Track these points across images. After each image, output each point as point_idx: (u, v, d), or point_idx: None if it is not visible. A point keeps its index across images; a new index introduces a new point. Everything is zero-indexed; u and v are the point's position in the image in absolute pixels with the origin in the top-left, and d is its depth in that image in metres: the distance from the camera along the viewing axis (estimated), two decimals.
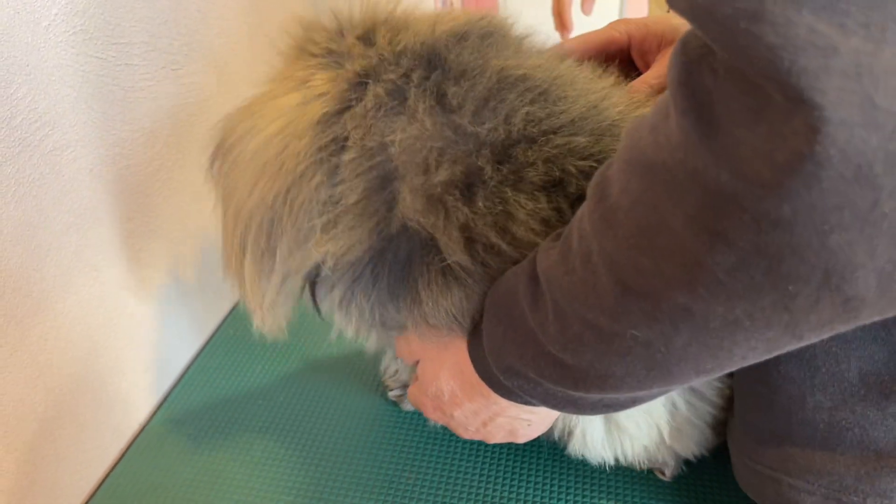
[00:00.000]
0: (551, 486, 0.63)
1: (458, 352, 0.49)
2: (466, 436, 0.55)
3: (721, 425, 0.58)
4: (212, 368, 0.79)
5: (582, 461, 0.65)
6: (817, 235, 0.27)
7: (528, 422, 0.52)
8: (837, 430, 0.45)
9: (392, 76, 0.46)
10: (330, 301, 0.51)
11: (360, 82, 0.46)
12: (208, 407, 0.74)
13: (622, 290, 0.34)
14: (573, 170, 0.44)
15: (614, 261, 0.34)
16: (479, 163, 0.44)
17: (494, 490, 0.63)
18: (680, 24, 0.61)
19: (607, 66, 0.54)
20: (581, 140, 0.44)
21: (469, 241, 0.44)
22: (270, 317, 0.53)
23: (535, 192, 0.44)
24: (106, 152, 0.63)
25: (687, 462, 0.63)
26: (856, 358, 0.43)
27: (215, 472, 0.66)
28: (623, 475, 0.64)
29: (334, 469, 0.66)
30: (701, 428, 0.57)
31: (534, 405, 0.47)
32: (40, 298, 0.57)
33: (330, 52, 0.49)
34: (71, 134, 0.58)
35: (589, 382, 0.39)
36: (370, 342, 0.59)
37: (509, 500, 0.62)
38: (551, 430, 0.59)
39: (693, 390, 0.55)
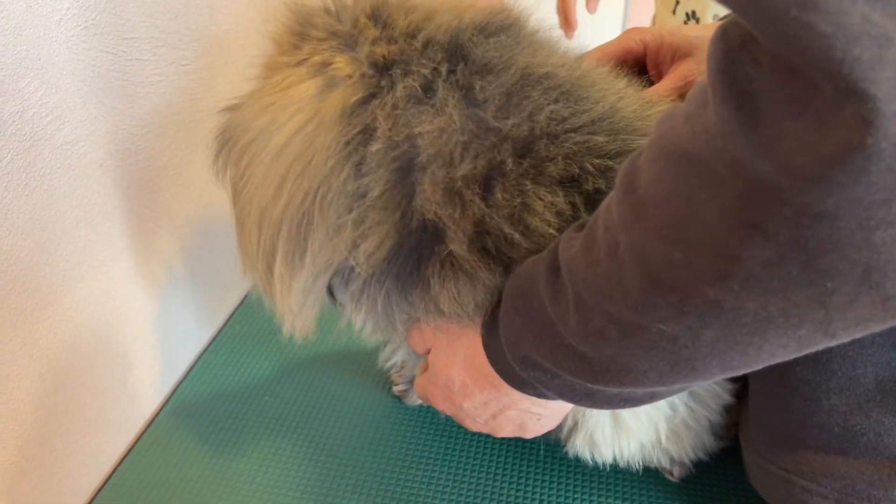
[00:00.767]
0: (557, 483, 0.63)
1: (471, 342, 0.49)
2: (475, 428, 0.55)
3: (722, 430, 0.58)
4: (218, 364, 0.79)
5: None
6: (861, 230, 0.26)
7: (539, 416, 0.52)
8: (852, 434, 0.44)
9: (424, 70, 0.45)
10: (343, 292, 0.51)
11: (386, 68, 0.46)
12: (215, 402, 0.74)
13: (650, 284, 0.33)
14: (590, 167, 0.44)
15: (643, 253, 0.33)
16: (501, 157, 0.44)
17: (500, 486, 0.63)
18: (696, 37, 0.61)
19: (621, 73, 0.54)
20: (600, 139, 0.45)
21: (482, 233, 0.44)
22: (301, 318, 0.51)
23: (553, 187, 0.44)
24: (115, 147, 0.63)
25: (695, 463, 0.62)
26: (872, 363, 0.43)
27: (222, 467, 0.66)
28: (629, 476, 0.64)
29: (341, 465, 0.66)
30: (697, 432, 0.57)
31: (548, 398, 0.47)
32: (49, 292, 0.58)
33: (335, 33, 0.48)
34: (81, 128, 0.59)
35: (609, 376, 0.39)
36: (371, 333, 0.58)
37: (515, 496, 0.62)
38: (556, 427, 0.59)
39: (693, 394, 0.55)
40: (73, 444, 0.63)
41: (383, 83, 0.45)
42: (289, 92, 0.47)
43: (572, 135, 0.45)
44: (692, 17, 1.21)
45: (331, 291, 0.53)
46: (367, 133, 0.45)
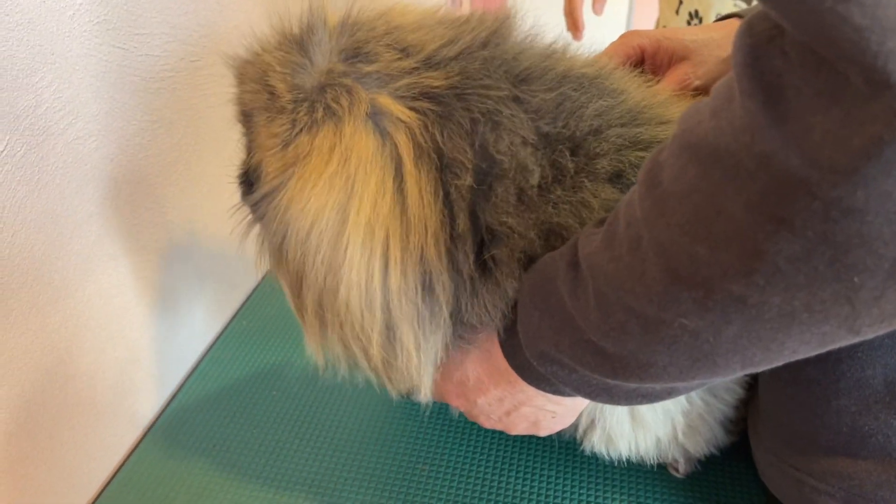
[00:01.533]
0: (564, 480, 0.64)
1: (487, 338, 0.49)
2: (488, 425, 0.55)
3: (732, 424, 0.58)
4: (226, 359, 0.80)
5: (595, 456, 0.65)
6: (889, 225, 0.26)
7: (553, 413, 0.52)
8: (860, 435, 0.45)
9: (480, 91, 0.45)
10: None
11: (434, 97, 0.45)
12: (222, 397, 0.74)
13: (673, 279, 0.33)
14: (633, 160, 0.46)
15: (666, 249, 0.33)
16: (563, 160, 0.45)
17: (508, 483, 0.64)
18: (692, 40, 0.62)
19: None
20: (637, 131, 0.46)
21: (549, 233, 0.45)
22: (427, 375, 0.49)
23: (604, 183, 0.45)
24: (126, 142, 0.63)
25: (700, 460, 0.63)
26: (881, 365, 0.43)
27: (230, 461, 0.67)
28: (636, 472, 0.64)
29: (348, 460, 0.66)
30: (713, 426, 0.57)
31: (565, 394, 0.47)
32: (61, 286, 0.58)
33: (344, 73, 0.45)
34: (93, 123, 0.59)
35: (629, 371, 0.39)
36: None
37: (522, 493, 0.63)
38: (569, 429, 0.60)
39: (708, 388, 0.55)
40: (83, 437, 0.63)
41: (442, 111, 0.44)
42: (349, 157, 0.44)
43: (615, 129, 0.46)
44: (695, 16, 1.22)
45: None
46: (453, 169, 0.44)
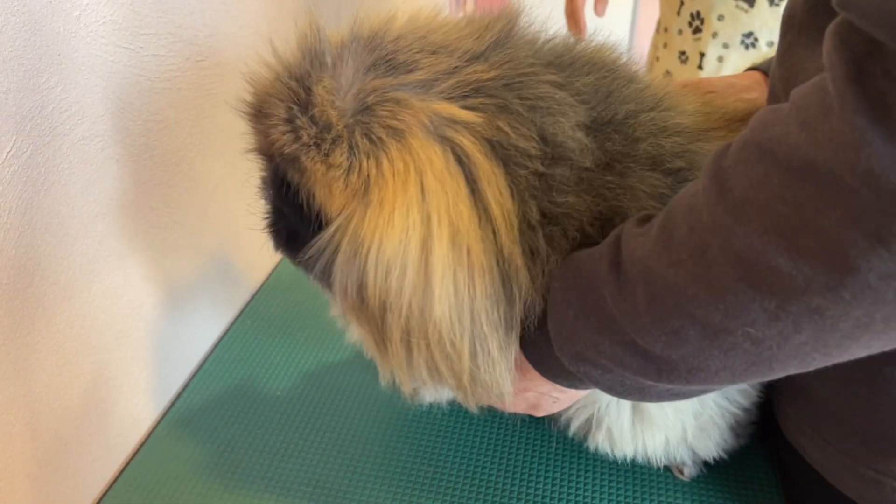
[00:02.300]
0: (568, 481, 0.64)
1: None
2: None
3: (741, 428, 0.58)
4: (230, 359, 0.80)
5: (601, 456, 0.65)
6: None
7: (556, 399, 0.52)
8: None
9: (532, 79, 0.45)
10: None
11: (487, 91, 0.44)
12: (226, 397, 0.74)
13: (744, 288, 0.33)
14: (668, 146, 0.46)
15: (741, 258, 0.33)
16: (615, 145, 0.46)
17: (511, 482, 0.64)
18: (717, 82, 0.65)
19: None
20: (664, 115, 0.47)
21: (601, 217, 0.45)
22: (507, 383, 0.48)
23: (647, 169, 0.46)
24: (132, 143, 0.64)
25: (705, 463, 0.63)
26: None
27: (234, 461, 0.67)
28: (641, 473, 0.64)
29: (352, 461, 0.67)
30: (723, 429, 0.57)
31: (584, 388, 0.47)
32: (67, 286, 0.58)
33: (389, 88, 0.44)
34: (99, 124, 0.59)
35: (675, 374, 0.39)
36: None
37: (526, 493, 0.63)
38: (568, 419, 0.60)
39: (722, 392, 0.55)
40: (89, 436, 0.63)
41: (498, 103, 0.44)
42: (424, 172, 0.42)
43: (646, 113, 0.47)
44: (697, 17, 1.22)
45: None
46: (519, 159, 0.43)
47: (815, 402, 0.53)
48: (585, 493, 0.63)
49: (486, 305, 0.43)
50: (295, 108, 0.45)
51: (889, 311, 0.30)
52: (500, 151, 0.43)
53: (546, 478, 0.64)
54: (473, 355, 0.44)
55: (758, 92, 0.65)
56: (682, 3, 1.25)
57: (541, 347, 0.46)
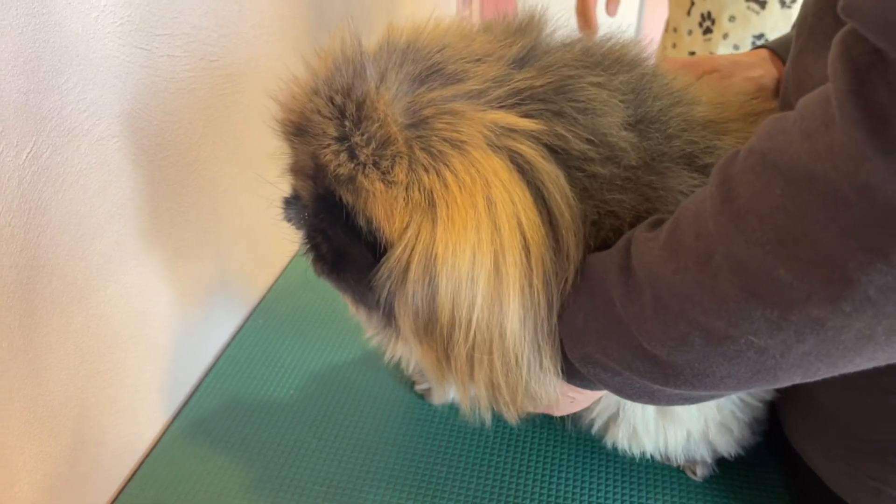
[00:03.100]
0: (581, 481, 0.64)
1: None
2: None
3: (758, 425, 0.59)
4: (242, 358, 0.80)
5: (613, 456, 0.65)
6: None
7: (573, 399, 0.52)
8: None
9: (585, 81, 0.46)
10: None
11: (539, 98, 0.44)
12: (239, 396, 0.75)
13: (747, 297, 0.33)
14: (699, 140, 0.46)
15: (743, 267, 0.33)
16: (657, 143, 0.45)
17: (525, 482, 0.64)
18: (722, 60, 0.64)
19: None
20: (686, 110, 0.47)
21: (639, 217, 0.45)
22: (554, 391, 0.48)
23: (683, 168, 0.46)
24: (147, 143, 0.64)
25: (717, 463, 0.63)
26: None
27: (248, 460, 0.67)
28: (653, 474, 0.64)
29: (366, 460, 0.67)
30: (743, 424, 0.58)
31: (596, 389, 0.47)
32: (84, 286, 0.58)
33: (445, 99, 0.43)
34: (116, 124, 0.59)
35: (681, 379, 0.39)
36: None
37: (539, 492, 0.63)
38: (587, 416, 0.60)
39: None
40: (105, 434, 0.63)
41: (553, 108, 0.43)
42: (491, 184, 0.41)
43: (675, 108, 0.47)
44: (707, 17, 1.21)
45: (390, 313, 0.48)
46: (578, 163, 0.43)
47: (817, 408, 0.54)
48: (598, 493, 0.63)
49: (546, 315, 0.43)
50: (348, 124, 0.43)
51: (890, 324, 0.30)
52: (562, 156, 0.43)
53: (558, 478, 0.64)
54: (529, 367, 0.44)
55: (762, 69, 0.64)
56: (692, 4, 1.24)
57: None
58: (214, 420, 0.72)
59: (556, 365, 0.45)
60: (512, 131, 0.42)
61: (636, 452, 0.60)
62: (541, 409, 0.51)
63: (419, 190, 0.42)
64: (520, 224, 0.41)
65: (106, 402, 0.63)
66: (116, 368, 0.64)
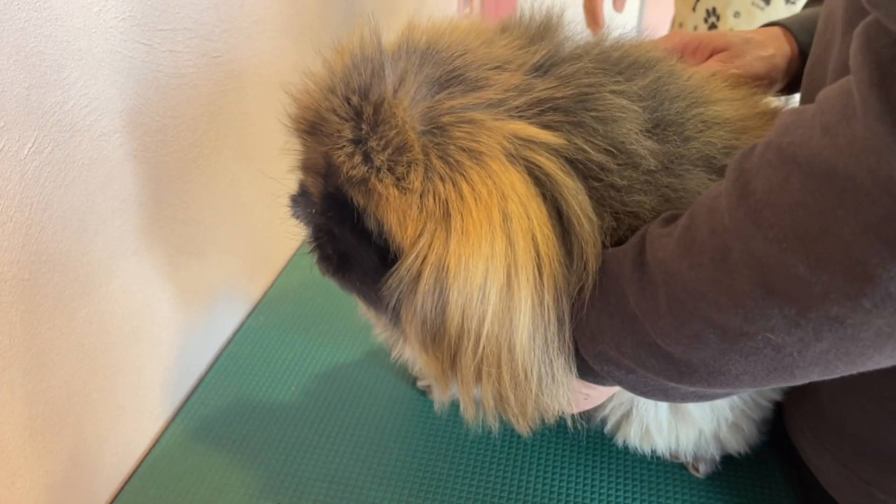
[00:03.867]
0: (584, 479, 0.64)
1: None
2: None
3: (765, 425, 0.59)
4: (244, 355, 0.80)
5: (616, 453, 0.65)
6: None
7: (587, 395, 0.52)
8: None
9: (606, 89, 0.45)
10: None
11: (559, 108, 0.44)
12: (241, 393, 0.75)
13: (765, 294, 0.32)
14: (716, 141, 0.45)
15: (761, 263, 0.32)
16: (675, 146, 0.45)
17: (527, 479, 0.64)
18: (733, 38, 0.63)
19: None
20: (702, 110, 0.46)
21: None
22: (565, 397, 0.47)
23: (701, 170, 0.45)
24: (149, 138, 0.64)
25: (720, 461, 0.63)
26: None
27: (250, 457, 0.67)
28: (656, 470, 0.64)
29: (368, 457, 0.67)
30: (753, 425, 0.58)
31: (611, 386, 0.47)
32: (86, 282, 0.58)
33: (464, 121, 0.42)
34: (118, 120, 0.59)
35: (696, 377, 0.38)
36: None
37: (542, 490, 0.63)
38: (599, 415, 0.59)
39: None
40: (106, 431, 0.63)
41: (573, 119, 0.43)
42: (507, 196, 0.41)
43: (693, 109, 0.46)
44: (712, 13, 1.21)
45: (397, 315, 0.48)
46: (596, 174, 0.43)
47: (816, 406, 0.53)
48: (601, 491, 0.63)
49: (556, 329, 0.43)
50: (365, 127, 0.42)
51: None
52: (581, 168, 0.42)
53: (560, 474, 0.64)
54: (540, 381, 0.44)
55: (774, 47, 0.63)
56: (697, 0, 1.24)
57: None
58: (216, 417, 0.72)
59: (568, 377, 0.45)
60: (532, 143, 0.41)
61: (647, 450, 0.59)
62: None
63: (434, 199, 0.41)
64: (534, 240, 0.41)
65: (108, 399, 0.63)
66: (118, 365, 0.64)
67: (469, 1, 2.01)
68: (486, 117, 0.42)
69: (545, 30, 0.48)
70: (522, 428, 0.47)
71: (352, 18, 1.05)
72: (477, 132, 0.41)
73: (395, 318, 0.46)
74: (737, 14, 1.14)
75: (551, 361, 0.44)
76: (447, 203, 0.41)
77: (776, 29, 0.66)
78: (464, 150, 0.41)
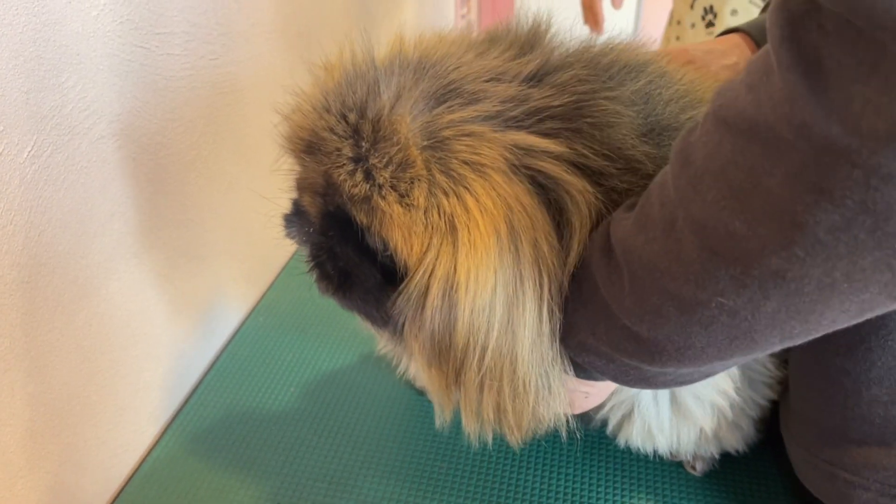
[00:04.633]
0: (581, 476, 0.64)
1: None
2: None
3: (761, 424, 0.59)
4: (242, 357, 0.80)
5: (614, 452, 0.66)
6: None
7: (586, 394, 0.52)
8: (894, 425, 0.45)
9: (601, 95, 0.45)
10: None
11: (555, 115, 0.44)
12: (241, 394, 0.75)
13: (709, 256, 0.33)
14: None
15: (703, 226, 0.33)
16: (662, 149, 0.45)
17: (525, 478, 0.64)
18: (696, 51, 0.64)
19: None
20: (697, 112, 0.47)
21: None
22: (564, 402, 0.48)
23: None
24: (148, 141, 0.64)
25: (717, 459, 0.63)
26: None
27: (249, 458, 0.67)
28: (654, 468, 0.65)
29: (366, 456, 0.67)
30: (751, 423, 0.58)
31: (600, 380, 0.47)
32: (85, 284, 0.58)
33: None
34: (116, 123, 0.59)
35: (666, 355, 0.39)
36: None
37: (540, 488, 0.63)
38: (605, 418, 0.60)
39: (749, 384, 0.55)
40: (106, 433, 0.64)
41: (571, 126, 0.43)
42: (512, 208, 0.41)
43: (687, 112, 0.46)
44: (710, 11, 1.21)
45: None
46: (597, 179, 0.43)
47: (786, 399, 0.55)
48: (598, 489, 0.63)
49: (549, 340, 0.43)
50: (365, 144, 0.42)
51: (846, 268, 0.30)
52: (585, 172, 0.43)
53: (556, 473, 0.65)
54: (538, 392, 0.44)
55: (736, 55, 0.65)
56: None
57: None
58: (215, 418, 0.72)
59: (563, 387, 0.45)
60: (533, 151, 0.42)
61: (648, 450, 0.60)
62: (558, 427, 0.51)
63: (439, 214, 0.41)
64: (539, 250, 0.41)
65: (107, 400, 0.63)
66: (118, 367, 0.64)
67: (467, 1, 2.01)
68: (485, 129, 0.42)
69: (535, 37, 0.48)
70: (515, 440, 0.47)
71: (348, 20, 1.05)
72: (478, 145, 0.41)
73: (400, 335, 0.46)
74: (734, 12, 1.15)
75: (547, 373, 0.44)
76: (453, 217, 0.41)
77: (736, 36, 0.67)
78: (466, 163, 0.41)
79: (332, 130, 0.43)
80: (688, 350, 0.38)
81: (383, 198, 0.42)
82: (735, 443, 0.59)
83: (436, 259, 0.42)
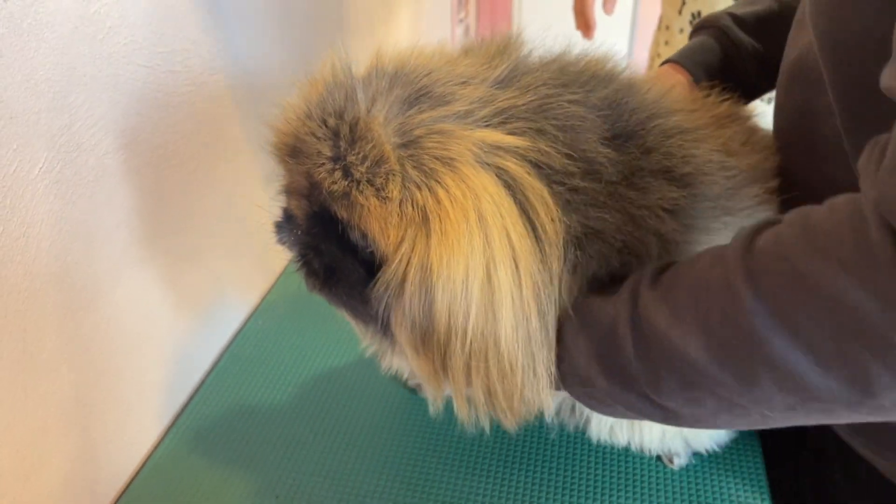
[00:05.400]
0: (564, 469, 0.67)
1: None
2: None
3: None
4: (243, 357, 0.83)
5: (598, 448, 0.69)
6: None
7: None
8: None
9: (564, 98, 0.48)
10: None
11: (520, 117, 0.47)
12: (241, 394, 0.78)
13: (773, 387, 0.37)
14: (674, 150, 0.48)
15: (776, 366, 0.37)
16: (628, 156, 0.47)
17: (512, 473, 0.67)
18: None
19: None
20: (664, 121, 0.49)
21: (624, 241, 0.47)
22: (551, 395, 0.50)
23: (663, 181, 0.48)
24: (151, 154, 0.67)
25: (695, 453, 0.66)
26: None
27: (250, 454, 0.71)
28: (636, 463, 0.67)
29: (362, 453, 0.70)
30: None
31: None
32: (93, 291, 0.62)
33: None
34: (122, 138, 0.63)
35: (680, 421, 0.44)
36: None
37: (525, 483, 0.66)
38: (572, 414, 0.63)
39: None
40: (113, 432, 0.67)
41: (535, 126, 0.45)
42: (481, 198, 0.43)
43: (654, 120, 0.48)
44: (698, 16, 1.24)
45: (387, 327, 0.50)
46: (560, 178, 0.45)
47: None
48: (582, 482, 0.66)
49: (537, 324, 0.45)
50: (343, 144, 0.45)
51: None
52: (545, 171, 0.45)
53: (544, 467, 0.67)
54: (524, 374, 0.46)
55: (672, 81, 0.69)
56: (683, 3, 1.26)
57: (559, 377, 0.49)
58: (217, 417, 0.75)
59: (549, 373, 0.47)
60: (498, 148, 0.44)
61: (617, 444, 0.63)
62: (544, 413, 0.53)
63: (412, 205, 0.44)
64: (509, 236, 0.43)
65: (114, 401, 0.67)
66: (124, 369, 0.68)
67: (464, 5, 2.04)
68: (454, 127, 0.45)
69: (505, 48, 0.51)
70: (510, 423, 0.49)
71: (345, 33, 1.08)
72: (447, 141, 0.44)
73: (384, 327, 0.49)
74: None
75: (533, 355, 0.46)
76: (425, 208, 0.44)
77: (668, 66, 0.73)
78: (437, 158, 0.44)
79: (313, 134, 0.47)
80: (704, 423, 0.43)
81: (361, 192, 0.45)
82: (700, 441, 0.62)
83: (411, 249, 0.44)
